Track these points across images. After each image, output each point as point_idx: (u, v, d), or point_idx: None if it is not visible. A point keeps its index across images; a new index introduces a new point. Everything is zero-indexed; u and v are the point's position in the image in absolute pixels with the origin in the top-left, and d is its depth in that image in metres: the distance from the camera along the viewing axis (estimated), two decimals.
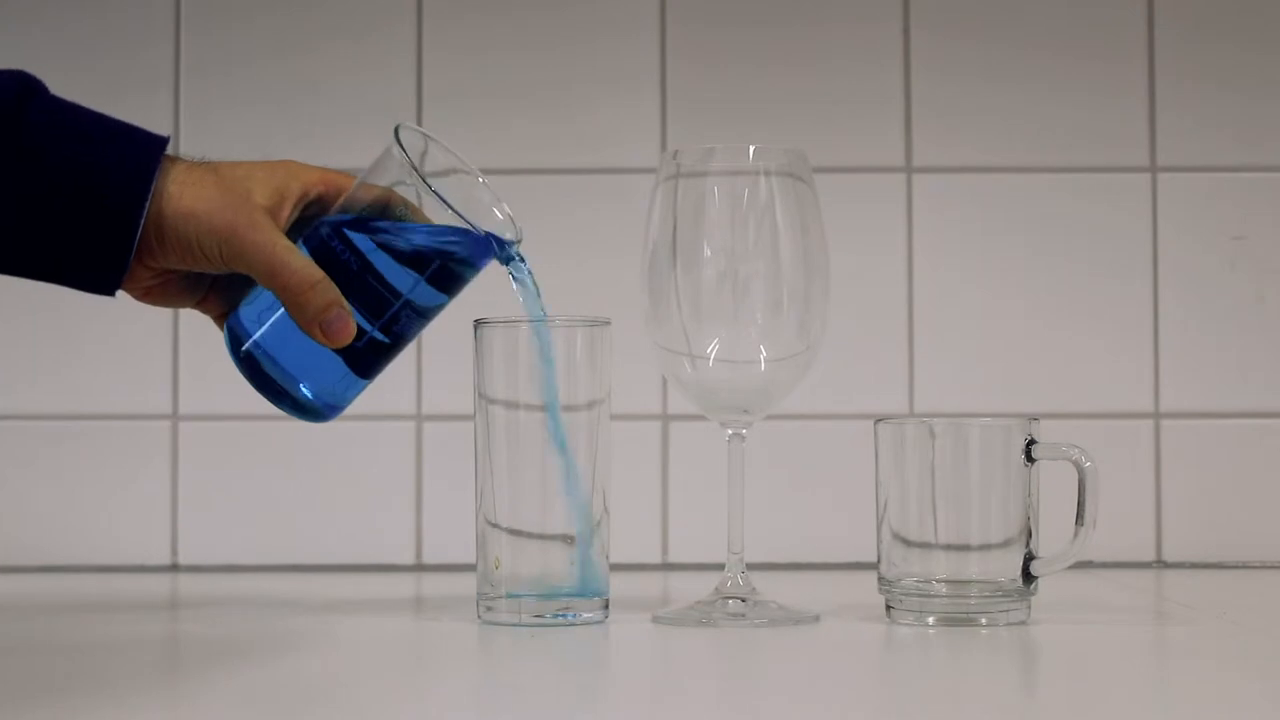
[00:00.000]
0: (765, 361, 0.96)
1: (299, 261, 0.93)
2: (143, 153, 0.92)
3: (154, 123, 1.40)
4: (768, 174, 0.96)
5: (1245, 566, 1.36)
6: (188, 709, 0.72)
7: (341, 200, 0.96)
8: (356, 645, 0.90)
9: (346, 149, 1.40)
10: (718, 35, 1.40)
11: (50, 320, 1.38)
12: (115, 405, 1.38)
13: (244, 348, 0.96)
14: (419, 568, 1.35)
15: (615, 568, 0.97)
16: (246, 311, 0.96)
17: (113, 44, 1.40)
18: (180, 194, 0.92)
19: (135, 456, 1.39)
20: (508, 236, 0.96)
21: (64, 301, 1.40)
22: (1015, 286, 1.39)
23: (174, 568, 1.38)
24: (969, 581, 0.95)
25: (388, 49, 1.40)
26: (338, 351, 0.94)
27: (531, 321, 0.95)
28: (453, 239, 0.95)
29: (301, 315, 0.93)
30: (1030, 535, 0.95)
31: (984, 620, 0.94)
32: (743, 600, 0.98)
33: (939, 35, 1.40)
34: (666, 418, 1.38)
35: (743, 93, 1.39)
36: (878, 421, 0.97)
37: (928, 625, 0.95)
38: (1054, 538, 0.95)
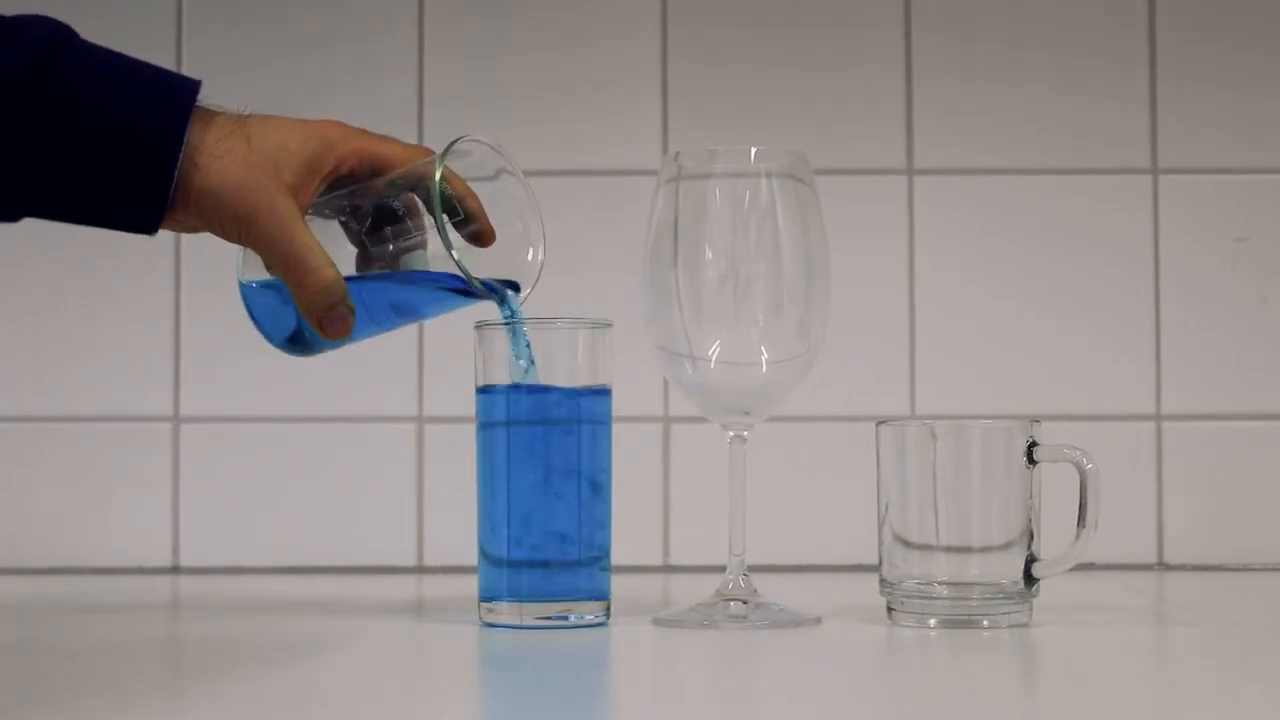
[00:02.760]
0: (766, 363, 0.96)
1: (316, 259, 0.92)
2: (175, 107, 0.92)
3: None
4: (769, 176, 0.96)
5: (1247, 569, 1.36)
6: (188, 711, 0.72)
7: (375, 189, 0.96)
8: (357, 647, 0.90)
9: None
10: (719, 37, 1.40)
11: (51, 322, 1.38)
12: (116, 407, 1.38)
13: (242, 287, 0.98)
14: (420, 569, 1.35)
15: (616, 570, 0.97)
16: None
17: (114, 45, 1.39)
18: (208, 168, 0.91)
19: (136, 458, 1.39)
20: (523, 280, 0.97)
21: (65, 303, 1.40)
22: (1016, 288, 1.39)
23: (175, 569, 1.38)
24: (970, 583, 0.95)
25: (389, 51, 1.40)
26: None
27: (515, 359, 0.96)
28: (452, 299, 0.96)
29: (307, 308, 0.93)
30: (1032, 537, 0.95)
31: (985, 622, 0.94)
32: (744, 602, 0.98)
33: (940, 38, 1.40)
34: (668, 419, 1.38)
35: (744, 95, 1.39)
36: (879, 423, 0.97)
37: (929, 627, 0.94)
38: (1055, 540, 0.95)
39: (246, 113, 0.95)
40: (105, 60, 0.93)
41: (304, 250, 0.92)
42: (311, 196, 0.94)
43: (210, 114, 0.93)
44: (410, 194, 0.96)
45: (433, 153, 0.96)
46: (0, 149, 0.89)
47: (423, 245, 0.97)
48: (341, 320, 0.93)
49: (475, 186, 0.97)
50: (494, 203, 0.97)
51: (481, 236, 0.97)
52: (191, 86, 0.93)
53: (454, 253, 0.92)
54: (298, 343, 0.99)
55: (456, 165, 0.96)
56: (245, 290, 0.99)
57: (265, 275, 0.96)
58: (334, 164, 0.95)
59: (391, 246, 0.97)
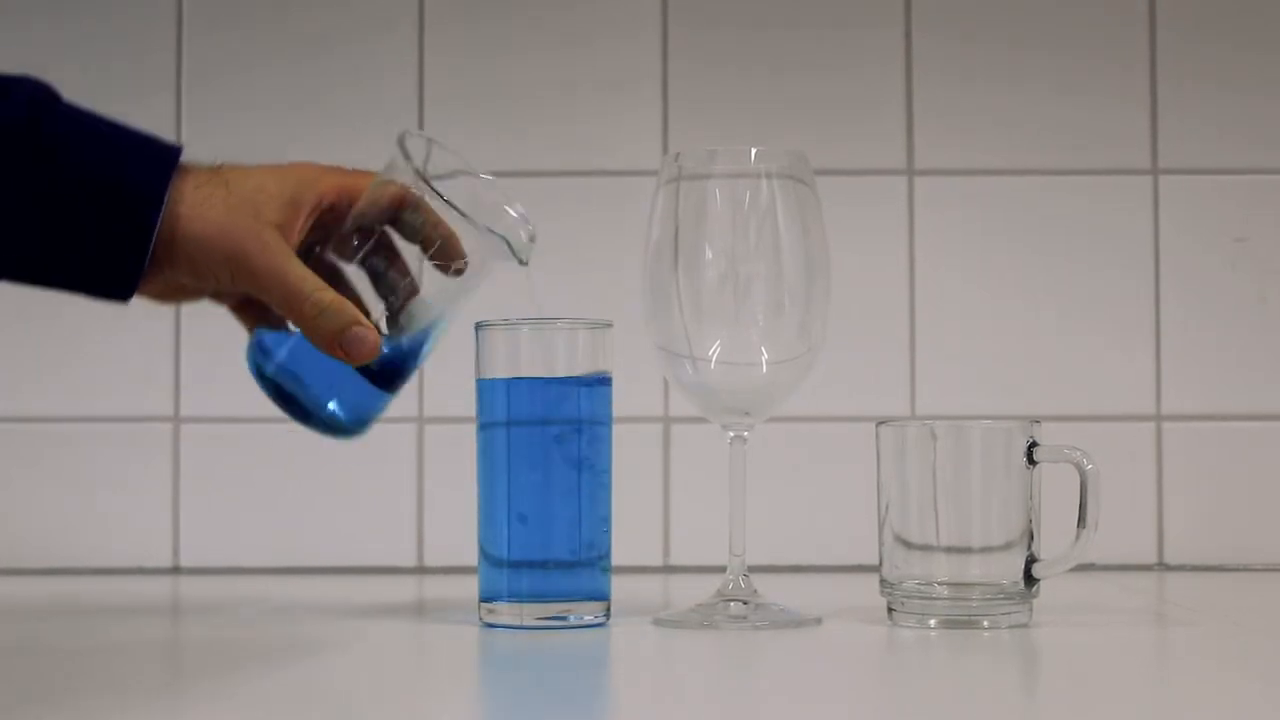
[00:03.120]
0: (766, 363, 0.96)
1: (311, 285, 0.92)
2: (158, 163, 0.92)
3: (155, 126, 1.40)
4: (769, 176, 0.96)
5: (1247, 569, 1.36)
6: (189, 711, 0.72)
7: (356, 209, 0.96)
8: (357, 648, 0.90)
9: (348, 152, 1.40)
10: (719, 38, 1.40)
11: (52, 323, 1.38)
12: (117, 407, 1.38)
13: (267, 371, 0.96)
14: (420, 570, 1.35)
15: (616, 570, 0.97)
16: (265, 333, 0.96)
17: (115, 47, 1.40)
18: (190, 215, 0.91)
19: (137, 459, 1.39)
20: (521, 236, 0.96)
21: (65, 304, 1.40)
22: (1017, 289, 1.39)
23: (175, 570, 1.38)
24: (970, 584, 0.95)
25: (389, 52, 1.40)
26: (358, 369, 0.94)
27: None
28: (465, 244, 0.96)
29: (319, 339, 0.92)
30: (1032, 537, 0.95)
31: (986, 623, 0.94)
32: (744, 603, 0.98)
33: (940, 38, 1.40)
34: (668, 420, 1.38)
35: (744, 95, 1.39)
36: (879, 424, 0.97)
37: (929, 628, 0.94)
38: (1055, 540, 0.95)
39: (219, 164, 0.95)
40: (89, 120, 0.93)
41: (299, 279, 0.92)
42: (297, 234, 0.94)
43: (187, 169, 0.93)
44: (397, 199, 0.96)
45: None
46: None
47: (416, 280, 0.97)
48: (359, 340, 0.92)
49: (451, 187, 0.97)
50: (454, 193, 0.96)
51: (456, 261, 0.97)
52: (174, 148, 0.93)
53: (451, 200, 0.93)
54: (348, 402, 0.97)
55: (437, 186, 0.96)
56: (273, 367, 0.97)
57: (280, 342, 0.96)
58: (315, 200, 0.95)
59: (394, 293, 0.97)
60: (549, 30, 1.40)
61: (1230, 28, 1.39)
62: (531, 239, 0.97)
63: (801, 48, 1.40)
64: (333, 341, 0.92)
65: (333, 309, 0.92)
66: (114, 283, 0.92)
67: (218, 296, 0.99)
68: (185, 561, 1.38)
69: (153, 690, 0.78)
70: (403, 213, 0.95)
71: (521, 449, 0.95)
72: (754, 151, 0.97)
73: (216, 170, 0.94)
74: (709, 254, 0.96)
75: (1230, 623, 1.04)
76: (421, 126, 1.40)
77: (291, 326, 0.95)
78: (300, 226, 0.94)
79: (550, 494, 0.95)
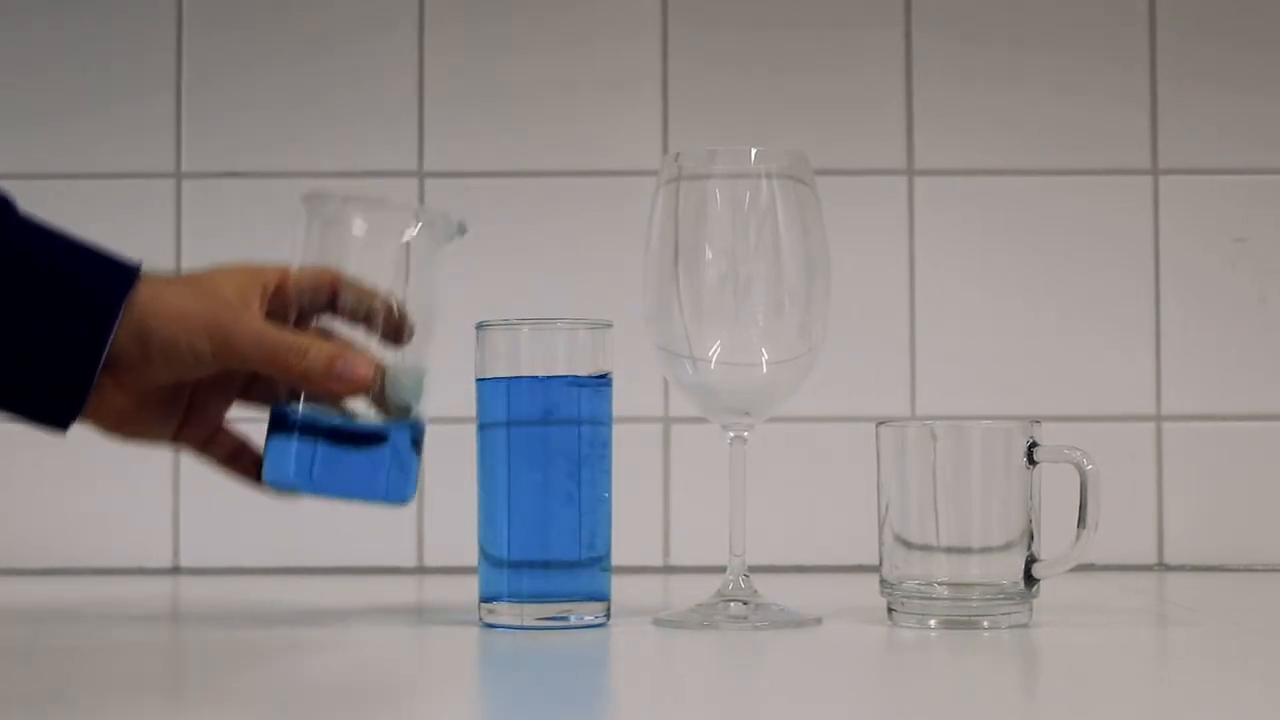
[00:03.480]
0: (767, 363, 0.96)
1: (288, 337, 0.93)
2: (117, 272, 0.91)
3: (156, 126, 1.41)
4: (769, 176, 0.96)
5: (1248, 569, 1.36)
6: (189, 712, 0.72)
7: (291, 287, 0.96)
8: (358, 648, 0.90)
9: (348, 152, 1.40)
10: (719, 38, 1.40)
11: None
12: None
13: (298, 491, 0.96)
14: (420, 570, 1.35)
15: (617, 570, 0.97)
16: (272, 469, 0.96)
17: (115, 47, 1.40)
18: (158, 296, 0.91)
19: (137, 459, 1.38)
20: (448, 227, 0.98)
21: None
22: (1017, 289, 1.39)
23: (175, 570, 1.38)
24: (971, 584, 0.95)
25: (389, 52, 1.40)
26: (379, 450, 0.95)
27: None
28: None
29: (313, 380, 0.92)
30: (1032, 538, 0.95)
31: (986, 623, 0.94)
32: (744, 603, 0.98)
33: (940, 38, 1.40)
34: (668, 420, 1.38)
35: (744, 95, 1.40)
36: (879, 424, 0.97)
37: (929, 628, 0.94)
38: (1056, 540, 0.95)
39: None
40: (44, 233, 0.92)
41: (276, 333, 0.92)
42: (258, 315, 0.94)
43: (144, 278, 0.92)
44: (322, 279, 0.96)
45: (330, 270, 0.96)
46: None
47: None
48: (350, 368, 0.92)
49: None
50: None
51: (399, 334, 0.97)
52: (133, 266, 0.92)
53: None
54: (386, 486, 0.97)
55: (359, 262, 0.96)
56: (306, 486, 0.96)
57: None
58: (262, 285, 0.95)
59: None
60: (549, 30, 1.40)
61: (1230, 28, 1.39)
62: (462, 232, 0.97)
63: (801, 48, 1.40)
64: (328, 377, 0.92)
65: (316, 346, 0.93)
66: (55, 406, 0.91)
67: (182, 434, 0.98)
68: (185, 562, 1.38)
69: (153, 691, 0.78)
70: (334, 284, 0.95)
71: (521, 449, 0.95)
72: (754, 151, 0.97)
73: (174, 275, 0.95)
74: (709, 254, 0.96)
75: (1230, 623, 1.04)
76: (421, 126, 1.40)
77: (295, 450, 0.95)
78: (258, 308, 0.95)
79: (550, 494, 0.95)
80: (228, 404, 0.99)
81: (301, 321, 0.96)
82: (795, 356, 0.97)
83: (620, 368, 0.98)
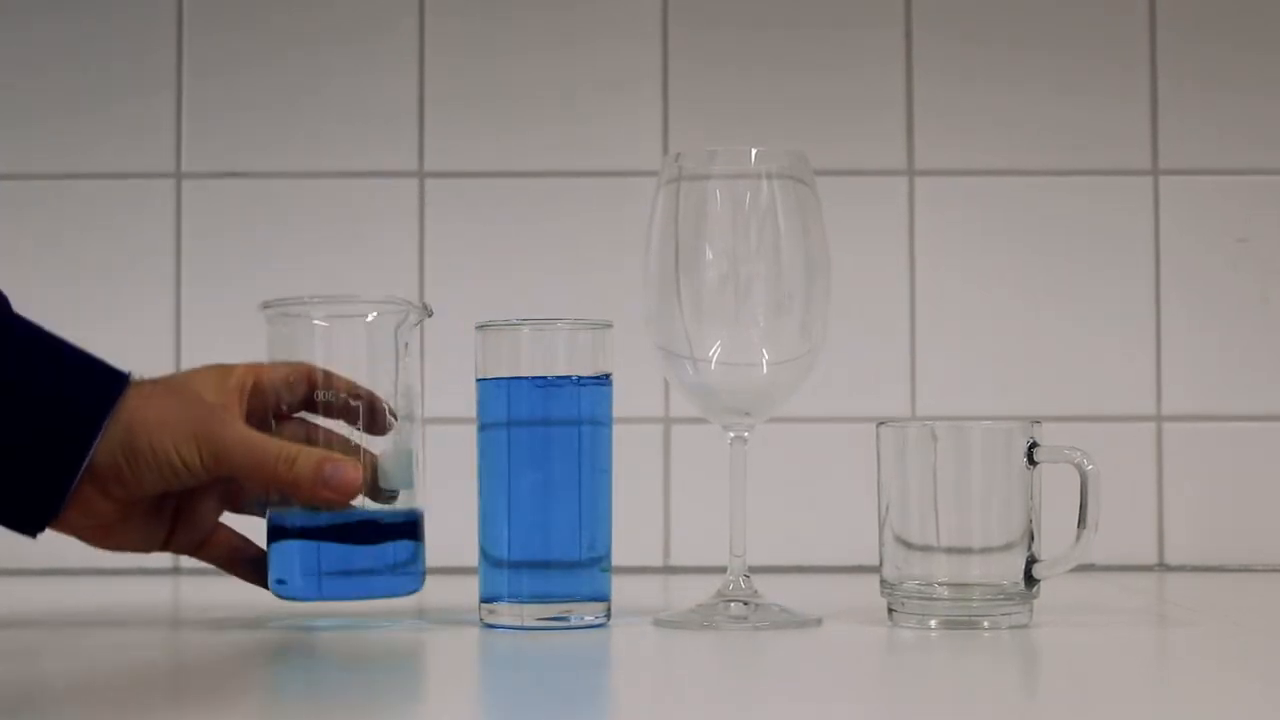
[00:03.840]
0: (767, 364, 0.96)
1: (274, 445, 0.92)
2: (103, 382, 0.90)
3: (156, 124, 1.41)
4: (769, 177, 0.96)
5: (1247, 570, 1.36)
6: (189, 713, 0.72)
7: (267, 386, 0.96)
8: (357, 648, 0.90)
9: (348, 152, 1.40)
10: (719, 38, 1.40)
11: (53, 324, 1.38)
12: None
13: (308, 600, 0.96)
14: None
15: (617, 570, 0.97)
16: (278, 582, 0.96)
17: (115, 47, 1.40)
18: (145, 405, 0.90)
19: None
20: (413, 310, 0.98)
21: (65, 305, 1.40)
22: (1017, 289, 1.39)
23: (175, 570, 1.38)
24: (971, 584, 0.95)
25: (390, 51, 1.40)
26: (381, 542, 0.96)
27: None
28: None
29: (300, 488, 0.92)
30: (1032, 538, 0.95)
31: (986, 623, 0.94)
32: (745, 603, 0.98)
33: (941, 38, 1.40)
34: (668, 420, 1.38)
35: (745, 95, 1.39)
36: (880, 424, 0.97)
37: (930, 628, 0.94)
38: (1056, 541, 0.95)
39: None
40: (37, 332, 0.92)
41: (263, 441, 0.92)
42: (242, 418, 0.94)
43: (131, 384, 0.92)
44: (297, 375, 0.96)
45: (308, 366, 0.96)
46: None
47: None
48: (340, 473, 0.92)
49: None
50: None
51: (380, 424, 0.97)
52: (121, 375, 0.92)
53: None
54: (394, 579, 0.97)
55: (328, 355, 0.97)
56: (317, 594, 0.96)
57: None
58: (239, 384, 0.95)
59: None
60: (549, 30, 1.40)
61: (1231, 28, 1.39)
62: (428, 313, 0.98)
63: (802, 48, 1.40)
64: (317, 483, 0.92)
65: (303, 453, 0.92)
66: (32, 510, 0.90)
67: (170, 545, 0.98)
68: (185, 562, 1.38)
69: (153, 692, 0.78)
70: (314, 390, 0.96)
71: (522, 449, 0.95)
72: (754, 152, 0.97)
73: (156, 381, 0.93)
74: (709, 254, 0.96)
75: (1230, 623, 1.04)
76: (422, 126, 1.40)
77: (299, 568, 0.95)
78: (238, 411, 0.94)
79: (550, 495, 0.95)
80: (217, 510, 0.99)
81: (280, 419, 0.96)
82: (795, 357, 0.96)
83: (621, 368, 0.98)
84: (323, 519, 0.95)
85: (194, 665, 0.88)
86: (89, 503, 0.90)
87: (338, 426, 0.96)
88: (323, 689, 0.78)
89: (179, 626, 1.05)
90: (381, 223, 1.40)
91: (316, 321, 0.96)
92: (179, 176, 1.39)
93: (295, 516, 0.95)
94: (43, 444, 0.88)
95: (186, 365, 1.38)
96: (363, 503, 0.96)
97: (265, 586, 0.98)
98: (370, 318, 0.96)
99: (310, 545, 0.95)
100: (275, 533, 0.96)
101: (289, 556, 0.95)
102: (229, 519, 1.00)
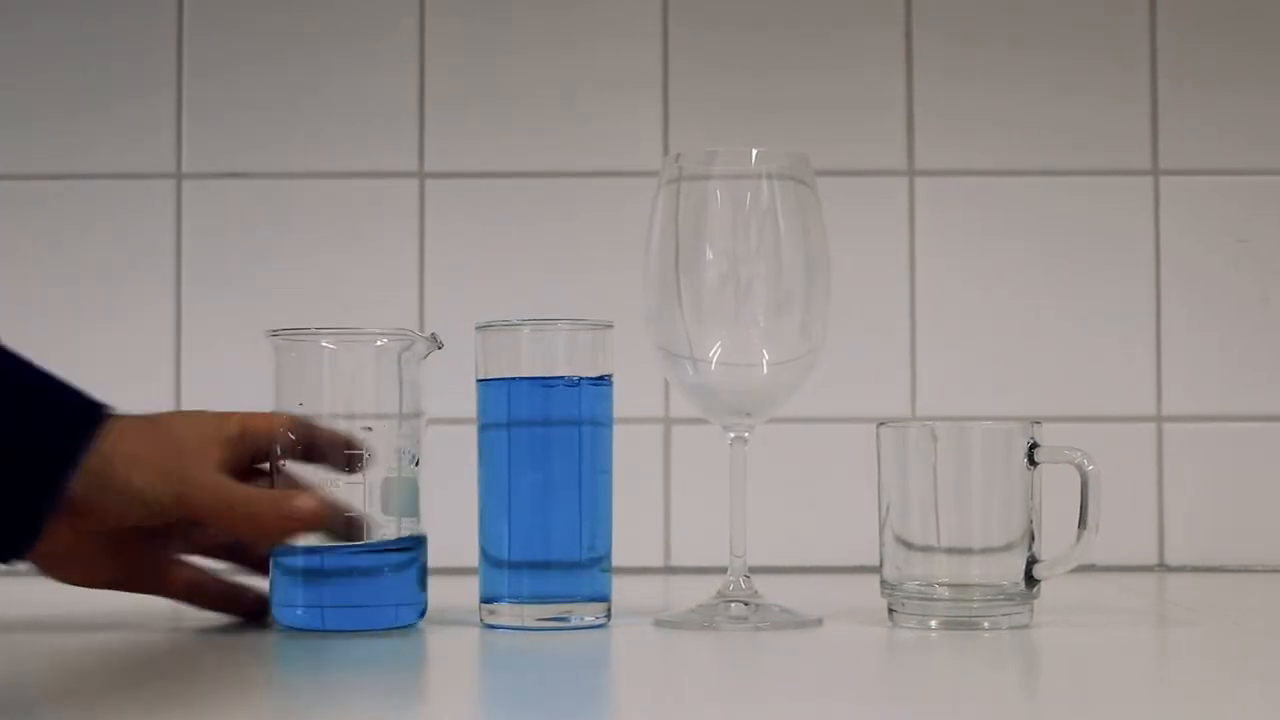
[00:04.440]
0: (767, 364, 0.96)
1: (239, 489, 0.92)
2: (85, 415, 0.90)
3: (156, 123, 1.41)
4: (770, 177, 0.96)
5: (1248, 570, 1.36)
6: (188, 713, 0.72)
7: (249, 437, 0.96)
8: (358, 649, 0.90)
9: (348, 153, 1.40)
10: (719, 38, 1.40)
11: (53, 324, 1.38)
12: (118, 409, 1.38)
13: (310, 630, 0.95)
14: None
15: (617, 571, 0.97)
16: (280, 610, 0.96)
17: (115, 47, 1.40)
18: (122, 438, 0.90)
19: None
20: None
21: (65, 305, 1.40)
22: (1017, 289, 1.39)
23: None
24: (971, 585, 0.95)
25: (390, 51, 1.40)
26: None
27: None
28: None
29: (260, 527, 0.92)
30: (1033, 538, 0.95)
31: (986, 623, 0.94)
32: (745, 604, 0.98)
33: (941, 38, 1.39)
34: (668, 421, 1.38)
35: (745, 96, 1.39)
36: (880, 425, 0.97)
37: (930, 628, 0.94)
38: (1056, 541, 0.95)
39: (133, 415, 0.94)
40: (18, 361, 0.91)
41: (232, 489, 0.92)
42: (217, 465, 0.93)
43: (110, 418, 0.91)
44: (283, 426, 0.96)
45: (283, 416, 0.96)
46: None
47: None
48: (301, 507, 0.92)
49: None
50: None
51: (352, 465, 0.96)
52: (99, 407, 0.91)
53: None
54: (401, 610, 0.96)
55: (333, 387, 0.96)
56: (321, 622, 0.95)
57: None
58: (229, 429, 0.95)
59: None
60: (549, 30, 1.40)
61: (1231, 28, 1.39)
62: (439, 345, 0.98)
63: (802, 48, 1.40)
64: (277, 520, 0.92)
65: (260, 496, 0.93)
66: (12, 537, 0.88)
67: (126, 586, 0.98)
68: None
69: (153, 692, 0.78)
70: (295, 438, 0.95)
71: (522, 450, 0.95)
72: (754, 152, 0.97)
73: (136, 418, 0.93)
74: (709, 255, 0.96)
75: (1231, 624, 1.04)
76: (422, 126, 1.40)
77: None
78: (218, 458, 0.93)
79: (551, 495, 0.95)
80: (179, 548, 0.99)
81: (271, 468, 0.96)
82: (796, 357, 0.97)
83: (621, 368, 0.98)
84: (325, 551, 0.94)
85: (194, 665, 0.88)
86: (54, 534, 0.89)
87: (321, 472, 0.96)
88: (323, 689, 0.78)
89: (179, 627, 1.05)
90: (382, 223, 1.40)
91: (325, 345, 0.96)
92: (179, 177, 1.39)
93: (298, 549, 0.95)
94: (21, 475, 0.86)
95: (187, 365, 1.38)
96: (366, 540, 0.95)
97: (239, 615, 0.98)
98: (379, 343, 0.96)
99: (313, 577, 0.95)
100: (278, 565, 0.96)
101: (292, 587, 0.95)
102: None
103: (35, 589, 1.26)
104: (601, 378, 0.96)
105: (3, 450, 0.85)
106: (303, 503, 0.92)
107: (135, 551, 0.97)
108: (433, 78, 1.40)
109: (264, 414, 0.96)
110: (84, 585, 0.98)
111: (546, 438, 0.96)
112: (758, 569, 1.01)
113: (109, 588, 0.98)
